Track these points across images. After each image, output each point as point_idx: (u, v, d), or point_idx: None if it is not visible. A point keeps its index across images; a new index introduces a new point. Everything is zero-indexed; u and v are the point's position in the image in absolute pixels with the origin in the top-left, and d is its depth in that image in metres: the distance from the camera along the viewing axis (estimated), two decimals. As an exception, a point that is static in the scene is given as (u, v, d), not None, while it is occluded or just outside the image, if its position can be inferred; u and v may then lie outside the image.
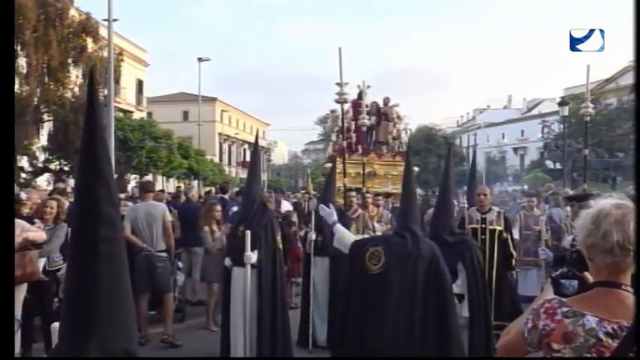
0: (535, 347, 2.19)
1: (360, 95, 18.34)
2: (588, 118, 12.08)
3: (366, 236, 9.26)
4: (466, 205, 9.68)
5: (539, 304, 2.21)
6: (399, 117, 19.62)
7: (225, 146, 67.36)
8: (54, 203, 7.75)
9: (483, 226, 8.25)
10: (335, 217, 6.11)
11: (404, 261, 5.26)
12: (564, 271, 2.43)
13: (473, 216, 8.45)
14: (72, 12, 26.14)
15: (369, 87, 19.10)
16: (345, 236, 5.83)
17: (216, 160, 55.03)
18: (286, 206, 16.19)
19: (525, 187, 34.28)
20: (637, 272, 2.13)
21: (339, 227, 5.95)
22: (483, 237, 8.16)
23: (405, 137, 20.06)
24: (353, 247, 5.55)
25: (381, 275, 5.24)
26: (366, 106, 18.25)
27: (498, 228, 8.22)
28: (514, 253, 8.48)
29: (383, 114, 19.11)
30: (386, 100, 19.44)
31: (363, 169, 12.72)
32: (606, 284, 2.14)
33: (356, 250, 5.52)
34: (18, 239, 6.84)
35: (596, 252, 2.15)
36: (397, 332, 5.15)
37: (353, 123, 17.11)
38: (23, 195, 8.90)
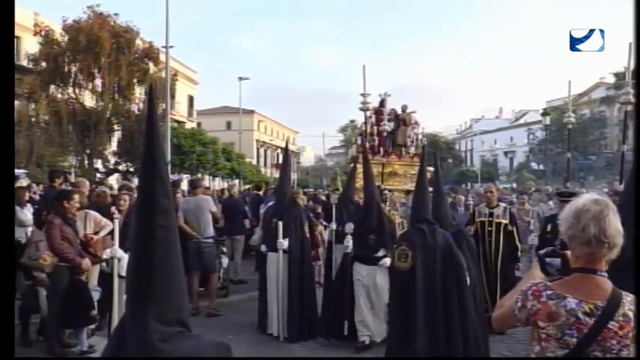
0: (523, 323, 2.18)
1: (382, 103, 17.65)
2: (570, 126, 11.72)
3: None
4: (471, 202, 9.49)
5: (527, 287, 2.18)
6: (416, 122, 18.48)
7: (262, 151, 67.53)
8: (126, 197, 7.90)
9: (490, 219, 7.89)
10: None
11: (426, 252, 5.07)
12: (549, 250, 2.39)
13: (482, 211, 8.11)
14: (138, 41, 26.48)
15: (389, 95, 18.22)
16: None
17: (254, 162, 55.20)
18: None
19: (514, 185, 33.90)
20: (637, 272, 2.10)
21: None
22: (490, 229, 7.83)
23: (422, 140, 19.56)
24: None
25: (410, 270, 5.06)
26: (388, 114, 17.88)
27: (504, 221, 7.84)
28: (519, 245, 7.95)
29: (401, 119, 18.09)
30: (404, 107, 18.40)
31: (383, 169, 12.46)
32: (584, 270, 2.11)
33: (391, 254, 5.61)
34: (96, 233, 7.05)
35: (575, 242, 2.12)
36: (430, 323, 4.95)
37: (375, 128, 16.18)
38: (103, 188, 9.06)
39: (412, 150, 18.21)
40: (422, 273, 5.01)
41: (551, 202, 10.85)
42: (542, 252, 2.42)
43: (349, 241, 6.88)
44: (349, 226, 6.97)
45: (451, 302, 5.04)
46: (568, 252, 2.25)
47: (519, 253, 7.88)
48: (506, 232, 7.82)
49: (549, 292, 2.10)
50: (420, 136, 19.32)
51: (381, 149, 17.19)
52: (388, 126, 15.64)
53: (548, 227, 7.24)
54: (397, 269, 5.21)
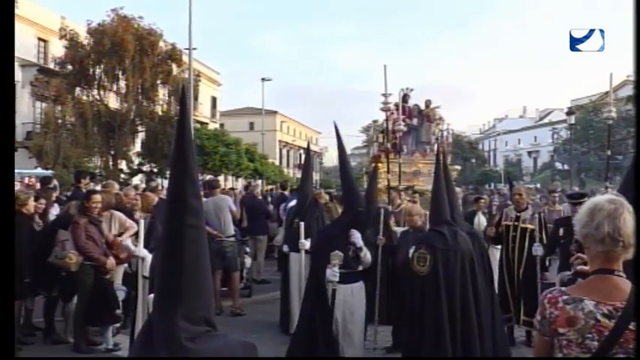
0: (549, 335, 2.12)
1: (405, 98, 16.85)
2: (610, 121, 11.02)
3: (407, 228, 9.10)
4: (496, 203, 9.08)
5: (543, 296, 2.16)
6: (440, 118, 17.91)
7: (284, 151, 67.70)
8: (137, 197, 8.05)
9: (516, 223, 7.25)
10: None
11: (447, 255, 4.88)
12: (567, 279, 2.35)
13: (509, 213, 7.52)
14: (161, 43, 26.78)
15: (412, 90, 17.52)
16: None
17: (277, 162, 55.32)
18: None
19: (538, 185, 33.44)
20: (637, 269, 2.06)
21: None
22: (514, 234, 7.22)
23: (447, 137, 18.24)
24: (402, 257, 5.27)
25: (430, 275, 4.85)
26: (408, 111, 16.79)
27: (530, 227, 7.14)
28: (535, 250, 6.97)
29: (425, 116, 17.50)
30: (427, 103, 17.78)
31: (399, 169, 12.17)
32: (601, 271, 2.08)
33: (404, 258, 5.26)
34: (122, 234, 7.15)
35: (590, 241, 2.09)
36: (452, 328, 4.77)
37: (397, 124, 15.88)
38: (126, 190, 9.21)
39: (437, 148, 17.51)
40: (443, 277, 4.84)
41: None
42: (562, 277, 2.37)
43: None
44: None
45: (469, 309, 4.88)
46: (581, 267, 2.23)
47: (547, 262, 7.19)
48: (533, 239, 7.09)
49: (565, 297, 2.07)
50: (446, 133, 18.15)
51: (405, 147, 16.60)
52: (404, 125, 15.10)
53: (561, 231, 6.80)
54: (415, 273, 4.97)
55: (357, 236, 5.48)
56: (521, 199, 7.56)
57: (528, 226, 7.19)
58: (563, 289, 2.15)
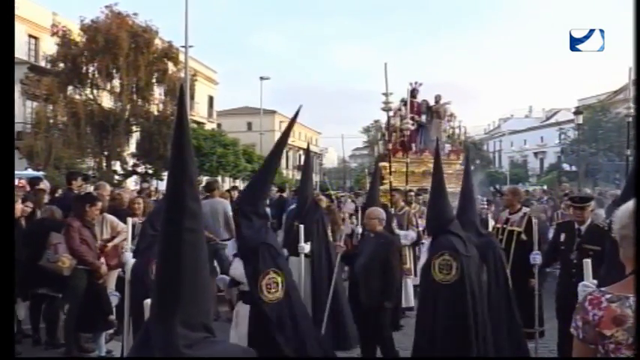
0: (593, 342, 2.01)
1: (413, 93, 16.43)
2: (630, 119, 10.79)
3: (411, 232, 9.04)
4: (485, 207, 9.03)
5: (583, 300, 2.08)
6: (452, 115, 17.31)
7: (284, 152, 67.50)
8: (140, 200, 8.01)
9: (505, 226, 7.05)
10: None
11: (468, 261, 4.72)
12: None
13: (502, 216, 7.37)
14: (157, 41, 26.77)
15: (420, 85, 16.94)
16: None
17: (276, 163, 55.18)
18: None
19: (545, 187, 33.40)
20: (637, 271, 2.02)
21: None
22: (501, 237, 6.95)
23: (458, 135, 17.67)
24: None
25: (457, 283, 4.64)
26: (417, 104, 16.46)
27: (517, 229, 6.89)
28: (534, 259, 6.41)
29: (434, 112, 16.95)
30: (437, 98, 17.16)
31: (407, 169, 11.93)
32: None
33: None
34: (114, 239, 7.12)
35: (628, 243, 2.07)
36: (483, 333, 4.67)
37: (405, 122, 14.47)
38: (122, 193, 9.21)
39: (448, 146, 16.66)
40: (469, 284, 4.62)
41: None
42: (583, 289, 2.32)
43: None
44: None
45: (484, 318, 4.78)
46: None
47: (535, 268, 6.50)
48: (520, 242, 6.84)
49: (609, 296, 2.01)
50: (457, 130, 17.62)
51: (413, 146, 15.81)
52: (412, 124, 14.79)
53: (562, 237, 6.23)
54: (437, 282, 4.72)
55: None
56: (506, 200, 7.43)
57: (515, 228, 6.96)
58: (602, 289, 2.09)
